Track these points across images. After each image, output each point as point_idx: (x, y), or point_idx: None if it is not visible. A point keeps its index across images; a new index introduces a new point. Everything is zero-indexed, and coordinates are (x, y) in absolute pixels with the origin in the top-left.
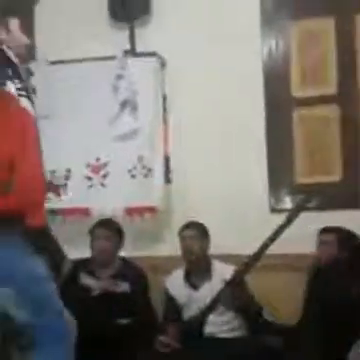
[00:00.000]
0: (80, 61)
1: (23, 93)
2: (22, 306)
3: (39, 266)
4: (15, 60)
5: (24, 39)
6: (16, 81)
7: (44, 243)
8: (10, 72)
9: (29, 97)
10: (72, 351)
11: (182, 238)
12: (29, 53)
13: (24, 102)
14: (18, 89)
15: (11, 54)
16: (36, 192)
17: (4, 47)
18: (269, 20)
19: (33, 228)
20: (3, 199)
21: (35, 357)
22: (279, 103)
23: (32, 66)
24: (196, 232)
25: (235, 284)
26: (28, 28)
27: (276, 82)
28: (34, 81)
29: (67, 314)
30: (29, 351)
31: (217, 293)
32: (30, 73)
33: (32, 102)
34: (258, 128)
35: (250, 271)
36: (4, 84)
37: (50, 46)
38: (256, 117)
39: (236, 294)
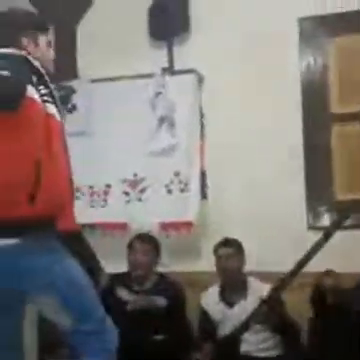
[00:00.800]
0: (120, 79)
1: (49, 99)
2: (65, 313)
3: (80, 272)
4: (42, 70)
5: (51, 55)
6: (41, 88)
7: (77, 247)
8: (35, 79)
9: (56, 104)
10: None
11: (218, 256)
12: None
13: (51, 108)
14: (43, 95)
15: (38, 64)
16: (63, 196)
17: (30, 56)
18: (307, 37)
19: (63, 231)
20: (31, 204)
21: None
22: (317, 119)
23: (74, 84)
24: (232, 250)
25: (271, 302)
26: (71, 47)
27: (314, 98)
28: (75, 98)
29: (109, 322)
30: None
31: (253, 311)
32: (72, 91)
33: (59, 110)
34: (296, 144)
35: (286, 289)
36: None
37: (92, 64)
38: (294, 133)
39: (272, 312)
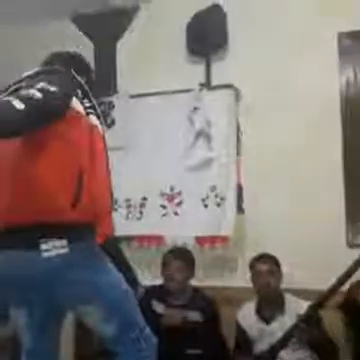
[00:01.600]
0: (158, 94)
1: (92, 111)
2: (110, 322)
3: (122, 281)
4: (85, 86)
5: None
6: (85, 101)
7: (115, 257)
8: (79, 93)
9: (98, 116)
10: None
11: (255, 272)
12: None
13: (93, 119)
14: (86, 108)
15: (80, 79)
16: (103, 204)
17: (74, 73)
18: (347, 51)
19: (102, 239)
20: (74, 211)
21: None
22: (357, 133)
23: (113, 99)
24: (270, 266)
25: (309, 320)
26: (110, 63)
27: (354, 114)
28: (114, 113)
29: (149, 331)
30: None
31: (289, 328)
32: (111, 106)
33: (101, 122)
34: (335, 159)
35: (325, 307)
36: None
37: (131, 80)
38: (332, 147)
39: (310, 330)
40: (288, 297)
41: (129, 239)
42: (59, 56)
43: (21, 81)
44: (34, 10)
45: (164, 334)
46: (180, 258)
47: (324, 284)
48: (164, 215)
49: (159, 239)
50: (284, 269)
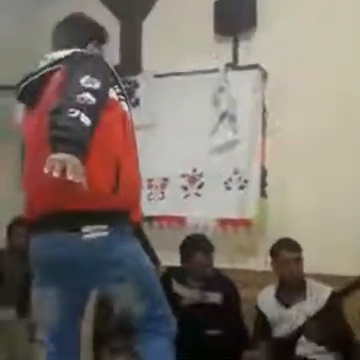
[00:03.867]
0: (184, 74)
1: (122, 97)
2: (142, 300)
3: (149, 261)
4: (114, 71)
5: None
6: (116, 87)
7: (141, 238)
8: (112, 80)
9: (127, 102)
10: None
11: (280, 259)
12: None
13: (124, 106)
14: (118, 94)
15: (111, 65)
16: (136, 191)
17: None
18: None
19: (134, 223)
20: (114, 198)
21: (147, 348)
22: None
23: (138, 78)
24: (293, 253)
25: (330, 310)
26: (136, 42)
27: None
28: (139, 92)
29: (170, 309)
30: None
31: (309, 318)
32: (136, 85)
33: (128, 105)
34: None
35: (349, 295)
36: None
37: (156, 59)
38: (358, 131)
39: (325, 324)
40: (310, 282)
41: (150, 219)
42: (76, 23)
43: (54, 63)
44: None
45: (184, 315)
46: (201, 249)
47: (346, 271)
48: (186, 196)
49: (180, 220)
50: (306, 254)
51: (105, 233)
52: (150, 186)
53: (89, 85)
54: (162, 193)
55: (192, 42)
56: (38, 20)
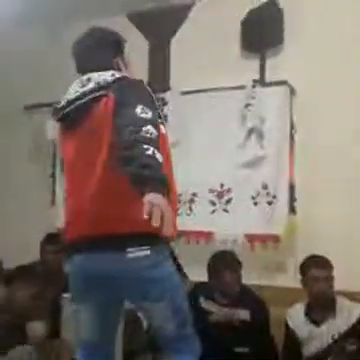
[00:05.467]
0: (211, 91)
1: (161, 120)
2: (173, 319)
3: (180, 280)
4: (152, 93)
5: (134, 74)
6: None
7: (172, 255)
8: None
9: (163, 123)
10: None
11: (311, 277)
12: None
13: (163, 128)
14: (159, 117)
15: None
16: (176, 210)
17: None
18: None
19: (170, 240)
20: None
21: None
22: None
23: (166, 95)
24: (324, 271)
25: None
26: (164, 60)
27: None
28: (167, 110)
29: (193, 328)
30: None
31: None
32: (164, 102)
33: (165, 127)
34: None
35: None
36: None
37: (184, 77)
38: None
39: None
40: (340, 300)
41: (178, 234)
42: (99, 41)
43: (100, 89)
44: (90, 6)
45: (212, 331)
46: (229, 268)
47: None
48: (213, 212)
49: (208, 235)
50: (336, 270)
51: (147, 252)
52: (179, 201)
53: (146, 115)
54: (190, 208)
55: (219, 59)
56: (68, 37)
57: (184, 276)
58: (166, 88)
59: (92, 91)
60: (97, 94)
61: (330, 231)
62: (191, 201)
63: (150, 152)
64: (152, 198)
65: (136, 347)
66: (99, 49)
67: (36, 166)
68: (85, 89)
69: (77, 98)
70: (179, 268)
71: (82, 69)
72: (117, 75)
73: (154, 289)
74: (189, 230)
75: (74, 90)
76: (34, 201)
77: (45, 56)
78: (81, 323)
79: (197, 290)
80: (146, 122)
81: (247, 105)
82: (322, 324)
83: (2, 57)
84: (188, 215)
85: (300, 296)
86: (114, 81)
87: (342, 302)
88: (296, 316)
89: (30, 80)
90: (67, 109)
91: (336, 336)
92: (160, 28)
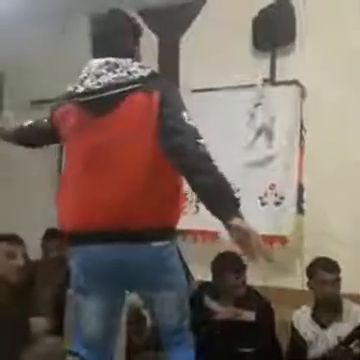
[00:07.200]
0: (221, 89)
1: None
2: (178, 311)
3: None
4: None
5: None
6: None
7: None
8: None
9: None
10: None
11: (319, 280)
12: None
13: None
14: None
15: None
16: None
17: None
18: None
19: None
20: (175, 216)
21: (174, 358)
22: None
23: None
24: (335, 275)
25: None
26: (174, 58)
27: None
28: None
29: None
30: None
31: (348, 336)
32: None
33: None
34: None
35: None
36: None
37: (193, 75)
38: None
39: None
40: (347, 303)
41: (184, 233)
42: (120, 26)
43: (138, 81)
44: (102, 2)
45: (216, 331)
46: (233, 270)
47: None
48: None
49: (214, 235)
50: (343, 273)
51: (168, 242)
52: (185, 200)
53: (194, 124)
54: (196, 207)
55: (230, 57)
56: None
57: (189, 275)
58: (176, 85)
59: (129, 82)
60: (136, 86)
61: (338, 232)
62: (198, 200)
63: (220, 171)
64: (245, 225)
65: (140, 343)
66: (123, 34)
67: (40, 163)
68: (115, 76)
69: (111, 86)
70: (184, 267)
71: (101, 52)
72: (148, 69)
73: (169, 278)
74: (195, 229)
75: (96, 73)
76: (40, 196)
77: (54, 53)
78: (85, 316)
79: (202, 290)
80: (197, 131)
81: (257, 104)
82: (328, 326)
83: (11, 54)
84: (194, 214)
85: (306, 298)
86: (150, 75)
87: (349, 305)
88: (302, 318)
89: (38, 76)
90: (96, 95)
91: (342, 339)
92: (170, 25)
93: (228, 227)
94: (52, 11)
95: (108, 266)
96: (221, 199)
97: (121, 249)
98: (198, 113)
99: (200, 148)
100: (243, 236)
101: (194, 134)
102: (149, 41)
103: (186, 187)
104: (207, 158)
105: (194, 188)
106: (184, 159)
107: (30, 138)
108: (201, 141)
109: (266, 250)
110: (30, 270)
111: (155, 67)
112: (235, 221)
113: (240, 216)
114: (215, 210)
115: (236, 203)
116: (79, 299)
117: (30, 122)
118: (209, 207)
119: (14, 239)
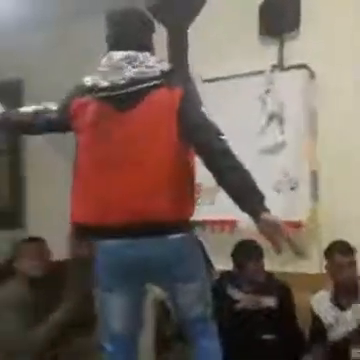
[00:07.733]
0: (230, 77)
1: None
2: (201, 300)
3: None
4: None
5: None
6: None
7: None
8: None
9: None
10: None
11: (336, 264)
12: None
13: None
14: None
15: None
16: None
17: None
18: None
19: None
20: (190, 209)
21: (200, 347)
22: None
23: None
24: (351, 258)
25: None
26: (183, 47)
27: None
28: None
29: None
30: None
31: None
32: None
33: None
34: None
35: None
36: None
37: (203, 64)
38: None
39: None
40: None
41: (201, 223)
42: (139, 22)
43: (161, 76)
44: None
45: (238, 319)
46: (253, 258)
47: None
48: None
49: (232, 223)
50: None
51: (186, 234)
52: (200, 190)
53: (212, 119)
54: (213, 198)
55: (238, 45)
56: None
57: (210, 266)
58: (193, 80)
59: (152, 77)
60: (158, 82)
61: (352, 217)
62: (214, 190)
63: (245, 167)
64: (273, 218)
65: (168, 336)
66: (142, 28)
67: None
68: (136, 71)
69: (134, 81)
70: (206, 258)
71: (118, 44)
72: (166, 63)
73: (189, 269)
74: (212, 219)
75: (117, 66)
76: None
77: (55, 56)
78: (110, 312)
79: (224, 279)
80: (218, 128)
81: (267, 90)
82: (347, 309)
83: (12, 58)
84: (210, 204)
85: (323, 282)
86: (170, 70)
87: None
88: (321, 302)
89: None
90: (121, 90)
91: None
92: (177, 16)
93: (257, 221)
94: (55, 14)
95: (131, 261)
96: (248, 196)
97: (143, 243)
98: (208, 102)
99: (225, 144)
100: (272, 229)
101: (216, 130)
102: (157, 32)
103: (200, 179)
104: (232, 155)
105: (222, 185)
106: (211, 157)
107: (32, 124)
108: (223, 137)
109: (295, 243)
110: (58, 268)
111: (164, 58)
112: (263, 215)
113: (266, 209)
114: (244, 206)
115: (262, 197)
116: (104, 295)
117: (32, 108)
118: (238, 203)
119: (38, 239)
